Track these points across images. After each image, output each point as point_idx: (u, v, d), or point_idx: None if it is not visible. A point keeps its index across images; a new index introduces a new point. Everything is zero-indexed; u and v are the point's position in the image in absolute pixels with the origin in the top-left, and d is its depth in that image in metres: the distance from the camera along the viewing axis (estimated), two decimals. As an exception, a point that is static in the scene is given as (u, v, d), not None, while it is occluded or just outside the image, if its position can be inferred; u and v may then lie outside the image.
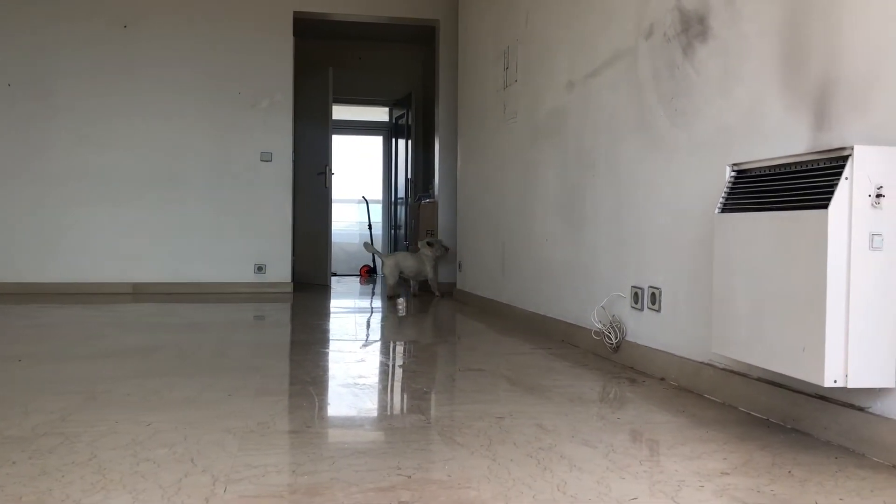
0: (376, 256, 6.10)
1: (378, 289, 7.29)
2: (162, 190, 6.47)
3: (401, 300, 6.00)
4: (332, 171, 7.34)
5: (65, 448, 1.85)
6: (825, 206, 1.79)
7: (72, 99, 6.32)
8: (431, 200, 7.17)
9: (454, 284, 6.47)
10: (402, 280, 6.39)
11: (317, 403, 2.44)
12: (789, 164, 2.01)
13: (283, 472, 1.71)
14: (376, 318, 5.07)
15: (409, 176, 9.06)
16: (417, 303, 5.92)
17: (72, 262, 6.31)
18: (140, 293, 6.30)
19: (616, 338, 3.20)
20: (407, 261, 6.29)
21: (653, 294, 2.96)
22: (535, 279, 4.34)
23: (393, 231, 9.64)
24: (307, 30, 7.36)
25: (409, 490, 1.59)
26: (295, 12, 6.70)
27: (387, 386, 2.79)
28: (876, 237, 1.78)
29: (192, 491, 1.57)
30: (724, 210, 2.24)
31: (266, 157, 6.64)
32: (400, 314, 5.25)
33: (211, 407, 2.33)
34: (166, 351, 3.46)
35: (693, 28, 2.69)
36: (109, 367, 2.99)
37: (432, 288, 6.32)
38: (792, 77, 2.19)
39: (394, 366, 3.27)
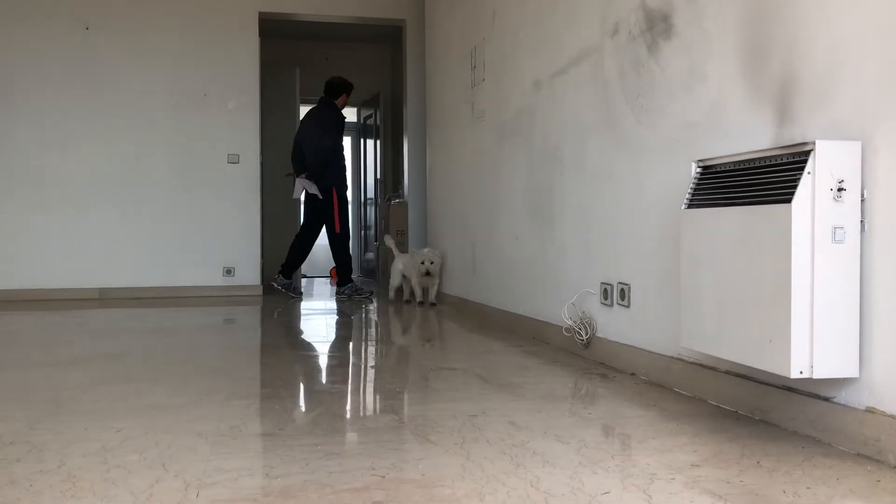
0: (394, 252, 5.90)
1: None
2: (127, 193, 6.39)
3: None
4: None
5: (33, 457, 1.83)
6: (788, 201, 1.82)
7: (33, 102, 6.22)
8: (401, 200, 7.16)
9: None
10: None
11: (289, 406, 2.42)
12: (753, 160, 2.04)
13: (255, 475, 1.70)
14: (347, 320, 5.06)
15: (379, 176, 9.03)
16: (390, 305, 5.91)
17: (36, 267, 6.20)
18: (107, 298, 6.22)
19: (586, 334, 3.23)
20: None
21: (622, 290, 2.99)
22: (506, 277, 4.35)
23: (363, 231, 9.61)
24: (273, 30, 7.31)
25: (383, 490, 1.59)
26: (260, 13, 6.65)
27: (359, 387, 2.79)
28: (838, 230, 1.82)
29: (164, 496, 1.55)
30: (690, 205, 2.27)
31: (233, 159, 6.59)
32: (370, 315, 5.24)
33: (181, 412, 2.31)
34: (134, 356, 3.42)
35: (657, 26, 2.72)
36: (76, 374, 2.95)
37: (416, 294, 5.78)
38: (754, 74, 2.23)
39: (366, 366, 3.26)
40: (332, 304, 6.04)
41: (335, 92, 6.32)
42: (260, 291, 6.62)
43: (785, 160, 1.92)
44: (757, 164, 2.02)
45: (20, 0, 6.18)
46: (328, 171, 6.14)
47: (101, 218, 6.34)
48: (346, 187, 6.34)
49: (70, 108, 6.29)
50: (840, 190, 1.82)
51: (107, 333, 4.27)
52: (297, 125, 7.26)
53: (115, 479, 1.66)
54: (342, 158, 6.30)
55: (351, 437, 2.05)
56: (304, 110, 7.59)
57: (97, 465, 1.76)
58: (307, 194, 6.23)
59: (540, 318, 3.81)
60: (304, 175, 6.17)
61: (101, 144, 6.34)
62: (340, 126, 6.30)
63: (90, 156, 6.33)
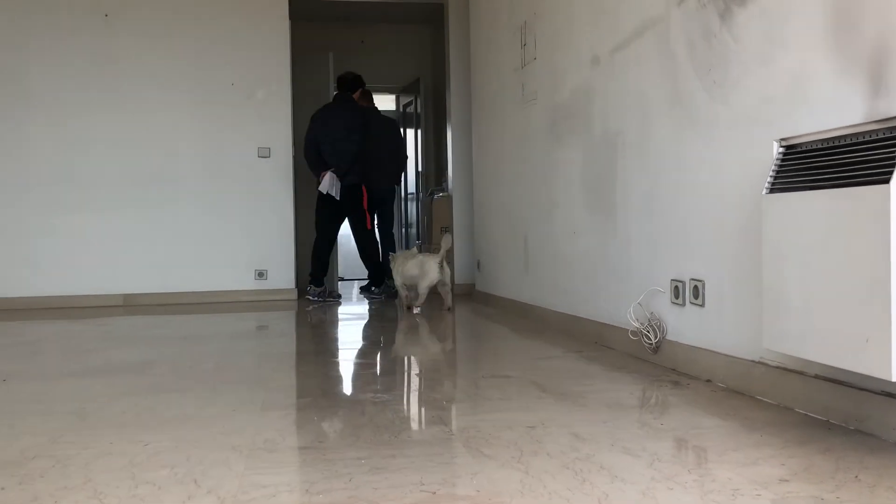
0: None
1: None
2: (151, 192, 6.50)
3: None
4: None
5: (57, 472, 1.86)
6: (887, 181, 1.76)
7: (50, 95, 6.36)
8: (445, 195, 7.16)
9: (473, 286, 6.46)
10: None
11: (328, 417, 2.43)
12: (844, 136, 1.98)
13: (295, 491, 1.71)
14: (388, 324, 5.07)
15: (420, 169, 9.05)
16: (429, 307, 5.91)
17: (56, 273, 6.35)
18: (132, 305, 6.33)
19: (655, 337, 3.18)
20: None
21: (695, 287, 2.94)
22: (562, 276, 4.32)
23: (404, 229, 9.64)
24: (304, 12, 7.37)
25: (434, 507, 1.58)
26: (290, -6, 6.72)
27: (404, 395, 2.78)
28: (945, 213, 1.75)
29: (196, 514, 1.56)
30: (772, 190, 2.22)
31: (264, 153, 6.66)
32: (413, 318, 5.24)
33: (213, 424, 2.33)
34: (162, 366, 3.46)
35: (730, -9, 2.66)
36: (101, 385, 3.00)
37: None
38: (842, 39, 2.16)
39: (411, 374, 3.26)
40: (371, 308, 6.06)
41: (353, 87, 6.52)
42: (295, 296, 6.68)
43: (881, 136, 1.86)
44: (848, 142, 1.96)
45: (36, -12, 6.34)
46: (356, 168, 6.34)
47: (123, 219, 6.47)
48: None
49: (89, 103, 6.42)
50: (946, 167, 1.75)
51: (132, 342, 4.34)
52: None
53: (143, 496, 1.67)
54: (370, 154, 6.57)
55: (397, 450, 2.04)
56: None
57: (125, 480, 1.78)
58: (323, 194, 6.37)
59: (602, 321, 3.76)
60: (332, 170, 6.31)
61: (123, 140, 6.47)
62: (366, 124, 6.51)
63: (111, 153, 6.46)
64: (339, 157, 6.28)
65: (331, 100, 6.85)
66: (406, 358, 3.75)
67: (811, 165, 2.08)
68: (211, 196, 6.61)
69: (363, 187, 6.45)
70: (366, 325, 5.18)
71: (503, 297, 5.48)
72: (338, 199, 6.28)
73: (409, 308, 5.59)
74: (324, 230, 6.49)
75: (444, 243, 5.44)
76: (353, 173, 6.36)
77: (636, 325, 3.28)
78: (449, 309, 5.58)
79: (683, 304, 3.03)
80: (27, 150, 6.35)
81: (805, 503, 1.58)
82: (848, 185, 1.91)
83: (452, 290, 6.71)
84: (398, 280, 5.67)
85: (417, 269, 5.47)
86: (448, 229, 6.99)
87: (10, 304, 6.20)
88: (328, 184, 6.28)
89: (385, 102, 9.91)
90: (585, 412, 2.41)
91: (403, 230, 9.67)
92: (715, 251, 2.82)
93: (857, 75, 2.11)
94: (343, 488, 1.70)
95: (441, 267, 5.40)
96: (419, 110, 8.86)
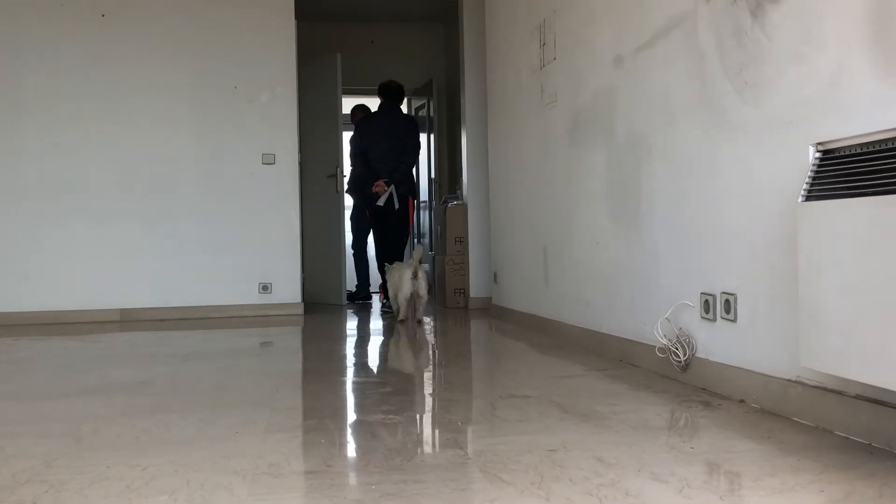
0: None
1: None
2: (150, 201, 6.52)
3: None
4: (345, 173, 7.36)
5: (50, 497, 1.86)
6: (932, 188, 1.75)
7: (43, 100, 6.39)
8: (459, 202, 7.17)
9: (490, 299, 6.45)
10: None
11: (337, 440, 2.43)
12: (886, 140, 1.97)
13: (301, 519, 1.70)
14: (399, 341, 5.06)
15: (433, 175, 9.06)
16: (443, 322, 5.91)
17: (48, 287, 6.36)
18: (129, 320, 6.35)
19: (684, 354, 3.16)
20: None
21: (727, 301, 2.92)
22: (585, 289, 4.31)
23: (416, 240, 9.64)
24: (310, 11, 7.41)
25: (449, 536, 1.58)
26: (296, -8, 6.75)
27: (417, 417, 2.78)
28: None
29: (197, 543, 1.56)
30: (808, 198, 2.21)
31: (268, 160, 6.68)
32: (425, 335, 5.24)
33: (214, 447, 2.34)
34: (161, 385, 3.47)
35: (763, -14, 2.66)
36: (97, 405, 3.01)
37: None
38: (883, 37, 2.15)
39: (423, 393, 3.26)
40: (380, 323, 6.07)
41: (400, 98, 6.86)
42: (301, 310, 6.69)
43: (925, 139, 1.84)
44: (890, 146, 1.95)
45: (30, -13, 6.39)
46: (409, 180, 6.76)
47: (120, 230, 6.48)
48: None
49: (85, 108, 6.44)
50: None
51: (130, 359, 4.36)
52: (343, 124, 7.37)
53: (141, 524, 1.68)
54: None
55: (410, 475, 2.04)
56: (346, 102, 7.68)
57: (122, 507, 1.79)
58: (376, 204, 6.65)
59: (627, 337, 3.75)
60: (386, 180, 6.60)
61: (119, 147, 6.48)
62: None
63: (107, 160, 6.47)
64: (396, 168, 6.58)
65: (328, 99, 6.99)
66: (418, 376, 3.75)
67: (850, 171, 2.07)
68: (212, 205, 6.62)
69: (410, 199, 6.75)
70: (375, 341, 5.18)
71: (521, 311, 5.47)
72: (396, 207, 6.55)
73: (419, 322, 5.71)
74: (382, 238, 6.83)
75: (415, 253, 5.69)
76: (405, 185, 6.67)
77: (663, 341, 3.27)
78: (419, 322, 5.73)
79: (714, 320, 3.01)
80: (18, 158, 6.36)
81: (847, 533, 1.57)
82: (890, 192, 1.90)
83: (468, 299, 6.74)
84: (391, 291, 6.02)
85: (397, 281, 5.78)
86: (463, 240, 6.99)
87: (1, 319, 6.23)
88: (386, 197, 6.54)
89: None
90: (610, 434, 2.40)
91: (415, 240, 9.67)
92: (747, 263, 2.81)
93: (899, 75, 2.10)
94: (352, 516, 1.70)
95: (414, 278, 5.57)
96: (432, 113, 8.87)
